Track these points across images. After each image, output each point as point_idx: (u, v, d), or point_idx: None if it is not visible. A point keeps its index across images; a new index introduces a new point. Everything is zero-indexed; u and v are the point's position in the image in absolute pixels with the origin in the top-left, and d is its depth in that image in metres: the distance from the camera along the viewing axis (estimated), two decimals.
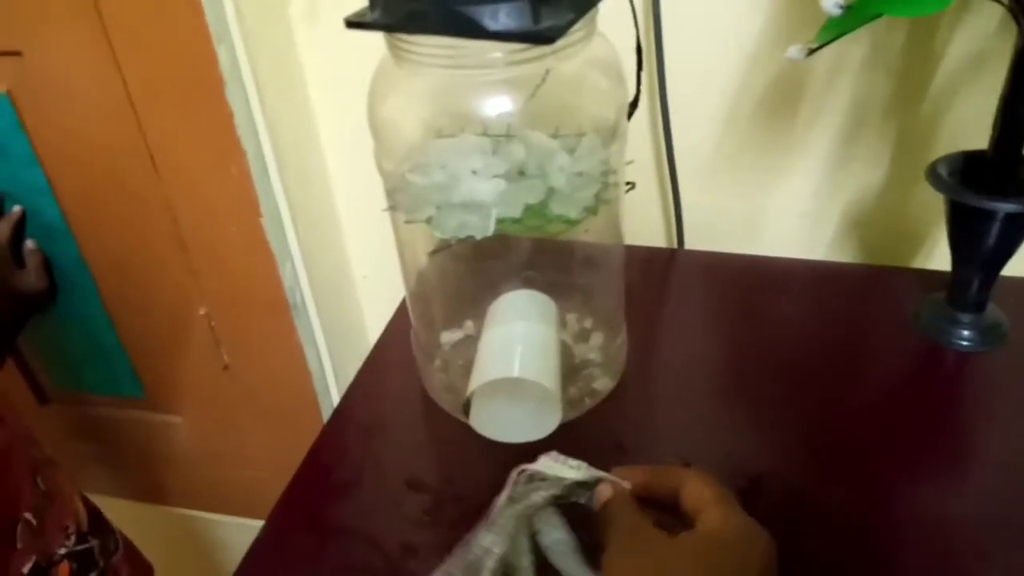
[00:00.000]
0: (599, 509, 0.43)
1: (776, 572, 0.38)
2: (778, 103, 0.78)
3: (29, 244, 0.99)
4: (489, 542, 0.42)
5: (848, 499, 0.56)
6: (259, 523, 0.60)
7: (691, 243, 0.86)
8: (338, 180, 0.98)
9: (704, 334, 0.73)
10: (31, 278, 0.99)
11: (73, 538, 0.78)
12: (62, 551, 0.76)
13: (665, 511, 0.43)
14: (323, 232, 0.99)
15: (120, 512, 0.93)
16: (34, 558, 0.70)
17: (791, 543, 0.53)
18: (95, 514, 0.86)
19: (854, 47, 0.73)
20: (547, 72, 0.52)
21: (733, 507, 0.40)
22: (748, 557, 0.38)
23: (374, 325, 1.09)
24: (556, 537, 0.43)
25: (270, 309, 0.98)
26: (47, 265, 1.02)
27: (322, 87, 0.90)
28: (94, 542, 0.82)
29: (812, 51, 0.58)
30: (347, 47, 0.85)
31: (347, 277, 1.04)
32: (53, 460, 0.79)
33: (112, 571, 0.85)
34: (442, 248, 0.62)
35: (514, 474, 0.44)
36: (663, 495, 0.43)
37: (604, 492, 0.44)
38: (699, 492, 0.41)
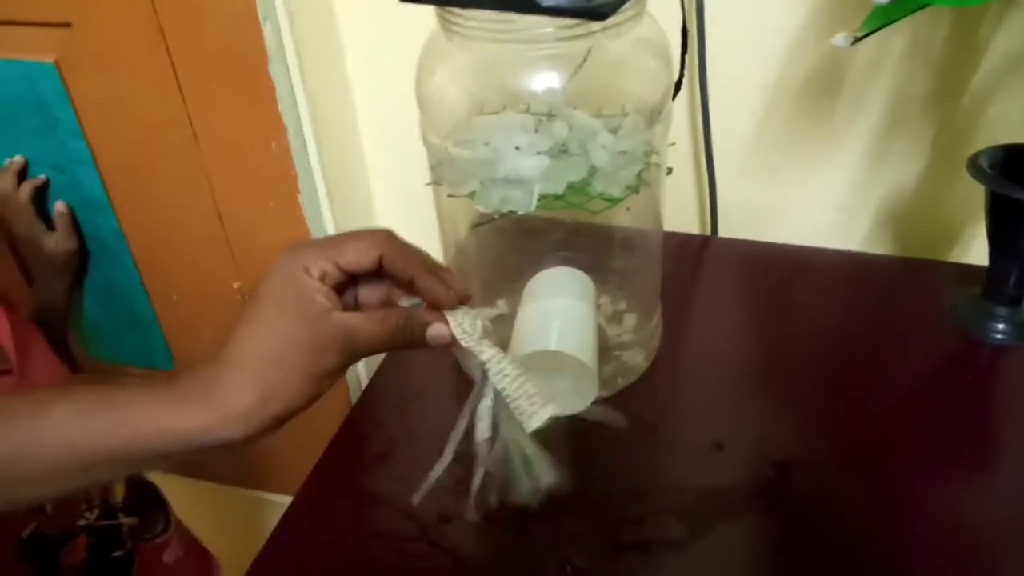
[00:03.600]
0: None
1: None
2: (818, 94, 0.78)
3: (59, 206, 1.01)
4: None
5: (876, 490, 0.56)
6: (282, 498, 0.61)
7: (725, 231, 0.86)
8: (373, 160, 0.99)
9: (737, 321, 0.73)
10: (60, 239, 1.00)
11: (96, 511, 0.76)
12: (81, 523, 0.74)
13: None
14: (357, 210, 1.00)
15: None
16: (35, 524, 0.69)
17: (817, 531, 0.54)
18: (141, 491, 0.85)
19: (896, 40, 0.73)
20: (589, 51, 0.53)
21: None
22: None
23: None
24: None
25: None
26: (76, 227, 1.03)
27: (361, 66, 0.91)
28: (127, 520, 0.80)
29: (858, 39, 0.58)
30: (387, 26, 0.86)
31: None
32: None
33: (148, 554, 0.82)
34: (484, 222, 0.63)
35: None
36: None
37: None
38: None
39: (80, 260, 1.05)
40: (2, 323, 0.71)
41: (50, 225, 1.01)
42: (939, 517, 0.54)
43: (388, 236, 0.41)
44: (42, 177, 1.00)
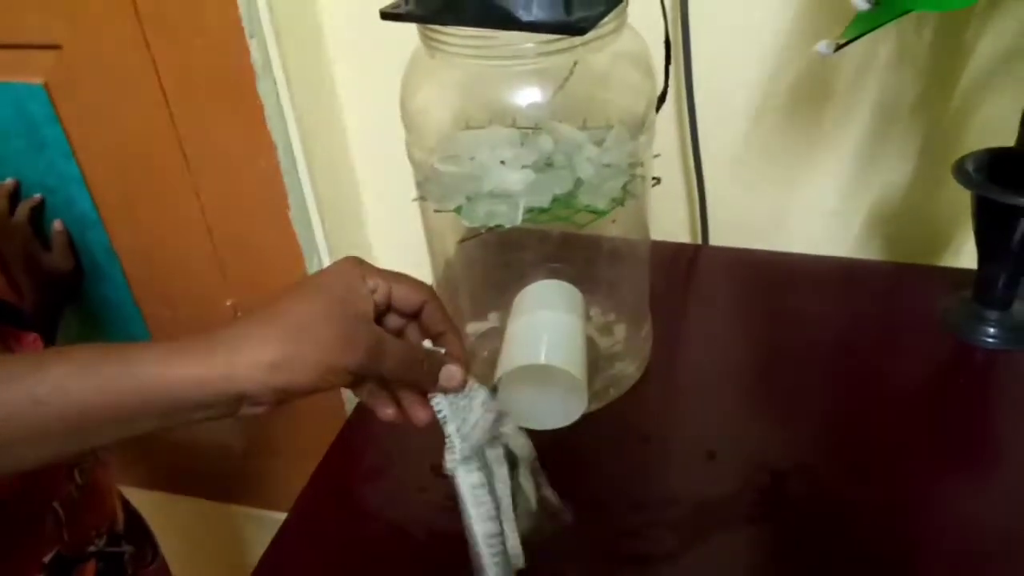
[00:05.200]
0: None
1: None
2: (806, 100, 0.78)
3: (56, 225, 1.01)
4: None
5: (871, 496, 0.56)
6: (277, 515, 0.61)
7: (716, 239, 0.87)
8: (363, 175, 0.99)
9: (729, 330, 0.73)
10: (57, 258, 1.01)
11: (105, 538, 0.77)
12: (91, 548, 0.76)
13: None
14: (348, 226, 1.01)
15: (141, 501, 0.94)
16: (57, 549, 0.70)
17: (813, 539, 0.54)
18: (135, 520, 0.86)
19: (882, 44, 0.73)
20: (575, 64, 0.53)
21: None
22: None
23: None
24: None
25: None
26: (73, 247, 1.04)
27: (349, 82, 0.91)
28: (127, 548, 0.81)
29: (841, 46, 0.58)
30: (374, 42, 0.86)
31: None
32: (100, 458, 0.79)
33: None
34: (471, 236, 0.63)
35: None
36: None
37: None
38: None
39: (76, 279, 1.05)
40: (38, 348, 0.72)
41: (46, 244, 1.01)
42: (935, 522, 0.54)
43: (434, 291, 0.45)
44: (38, 196, 1.00)
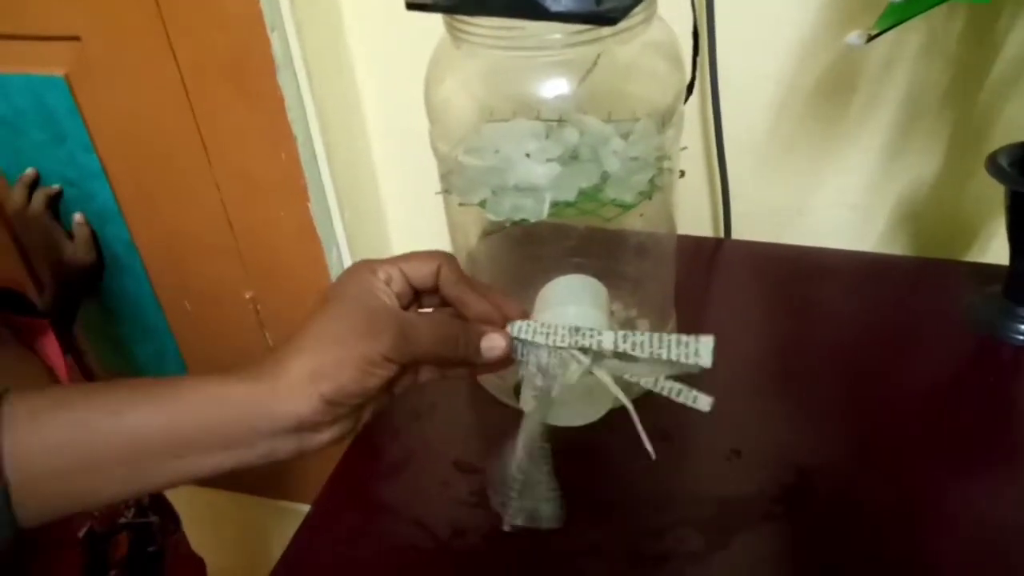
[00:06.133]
0: None
1: None
2: (832, 92, 0.77)
3: (77, 217, 1.02)
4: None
5: (898, 496, 0.55)
6: (296, 505, 0.61)
7: (738, 233, 0.86)
8: (383, 167, 0.99)
9: (752, 324, 0.72)
10: (78, 250, 1.01)
11: (133, 510, 0.80)
12: (122, 520, 0.78)
13: None
14: (368, 218, 1.00)
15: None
16: (90, 523, 0.72)
17: (838, 538, 0.53)
18: (156, 494, 0.88)
19: (911, 35, 0.72)
20: (598, 56, 0.52)
21: None
22: None
23: None
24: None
25: (315, 294, 0.99)
26: (95, 239, 1.04)
27: (369, 74, 0.91)
28: (154, 518, 0.83)
29: (872, 37, 0.57)
30: (395, 33, 0.86)
31: None
32: None
33: (171, 548, 0.86)
34: (495, 230, 0.62)
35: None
36: None
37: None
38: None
39: (96, 272, 1.06)
40: (52, 344, 0.73)
41: (69, 234, 1.01)
42: (963, 522, 0.53)
43: (447, 255, 0.44)
44: (56, 186, 1.00)
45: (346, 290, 0.41)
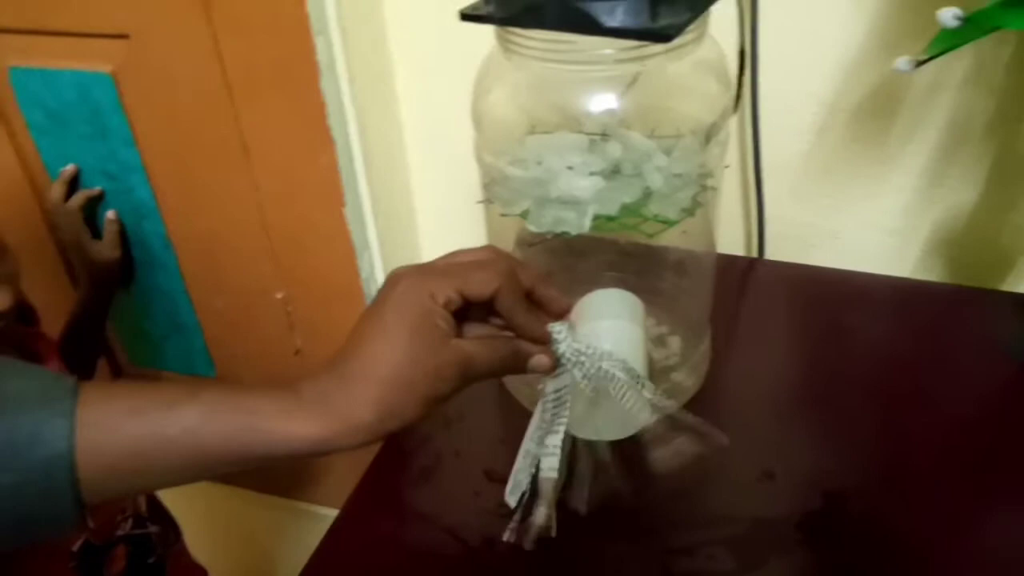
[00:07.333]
0: None
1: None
2: (873, 115, 0.76)
3: (110, 215, 1.03)
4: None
5: (932, 523, 0.55)
6: (320, 508, 0.61)
7: (772, 253, 0.85)
8: (417, 175, 0.99)
9: (786, 346, 0.72)
10: (105, 247, 1.02)
11: (130, 522, 0.79)
12: (119, 533, 0.77)
13: None
14: (400, 225, 1.01)
15: (185, 492, 0.95)
16: (84, 537, 0.72)
17: (868, 564, 0.53)
18: (155, 502, 0.88)
19: (957, 62, 0.71)
20: (638, 74, 0.52)
21: None
22: None
23: None
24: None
25: (345, 297, 1.00)
26: (123, 236, 1.05)
27: (409, 83, 0.92)
28: (153, 528, 0.83)
29: (921, 63, 0.57)
30: (437, 43, 0.86)
31: None
32: None
33: (172, 560, 0.86)
34: (536, 242, 0.62)
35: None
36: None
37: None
38: None
39: (121, 270, 1.07)
40: (51, 351, 0.73)
41: (98, 234, 1.03)
42: (998, 551, 0.53)
43: (508, 269, 0.43)
44: (98, 188, 1.02)
45: (410, 321, 0.40)
